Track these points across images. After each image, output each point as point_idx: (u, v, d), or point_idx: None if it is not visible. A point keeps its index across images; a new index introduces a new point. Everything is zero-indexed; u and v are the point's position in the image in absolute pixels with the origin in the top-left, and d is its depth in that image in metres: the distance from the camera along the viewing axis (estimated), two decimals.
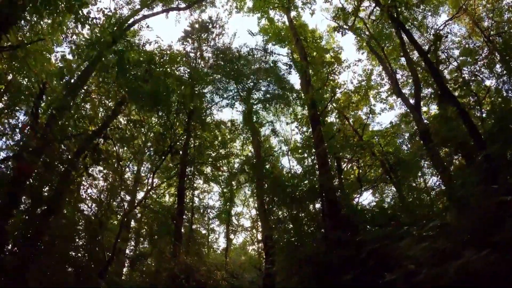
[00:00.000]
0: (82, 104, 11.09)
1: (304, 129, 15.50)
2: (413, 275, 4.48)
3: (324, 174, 9.82)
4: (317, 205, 13.68)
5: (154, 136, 11.39)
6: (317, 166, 11.95)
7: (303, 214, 12.63)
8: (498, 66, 19.41)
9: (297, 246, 11.32)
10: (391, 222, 8.43)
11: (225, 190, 21.48)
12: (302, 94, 14.09)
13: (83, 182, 13.85)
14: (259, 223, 20.32)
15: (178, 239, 13.84)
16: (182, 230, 18.45)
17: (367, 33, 16.58)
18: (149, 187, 11.83)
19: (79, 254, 11.80)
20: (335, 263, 7.79)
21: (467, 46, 20.13)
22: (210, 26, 19.76)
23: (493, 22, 19.79)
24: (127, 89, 9.73)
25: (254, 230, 26.76)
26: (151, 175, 11.46)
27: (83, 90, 11.28)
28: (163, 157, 11.29)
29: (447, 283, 4.00)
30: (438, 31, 14.31)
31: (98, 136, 10.00)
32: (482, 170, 5.55)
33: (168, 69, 13.75)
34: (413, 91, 18.02)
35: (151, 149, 15.69)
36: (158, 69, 11.95)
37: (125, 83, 9.59)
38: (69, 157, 9.25)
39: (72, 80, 11.12)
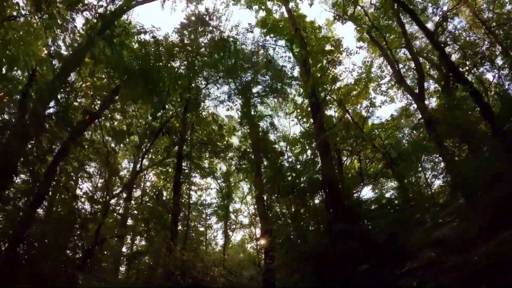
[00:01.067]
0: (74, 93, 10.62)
1: (304, 119, 15.07)
2: (435, 263, 4.08)
3: (326, 163, 9.39)
4: (317, 201, 13.34)
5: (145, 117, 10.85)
6: (318, 159, 11.56)
7: (303, 210, 12.23)
8: (499, 58, 19.22)
9: (298, 240, 10.91)
10: (400, 212, 8.06)
11: (222, 185, 21.05)
12: (302, 83, 13.68)
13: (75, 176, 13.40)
14: (258, 219, 19.86)
15: (174, 234, 13.39)
16: (179, 228, 18.02)
17: (367, 23, 16.21)
18: (139, 169, 11.14)
19: (70, 252, 11.26)
20: (339, 256, 7.35)
21: (467, 39, 19.87)
22: (207, 18, 19.34)
23: (494, 13, 19.50)
24: (116, 65, 9.26)
25: (252, 228, 26.40)
26: (141, 156, 10.88)
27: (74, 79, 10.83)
28: (154, 137, 10.82)
29: (474, 270, 3.60)
30: (443, 14, 13.85)
31: (90, 124, 9.54)
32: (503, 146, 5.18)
33: (164, 60, 13.35)
34: (413, 84, 17.73)
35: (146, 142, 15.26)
36: (152, 57, 11.49)
37: (114, 60, 9.13)
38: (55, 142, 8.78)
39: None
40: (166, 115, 10.73)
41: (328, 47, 14.42)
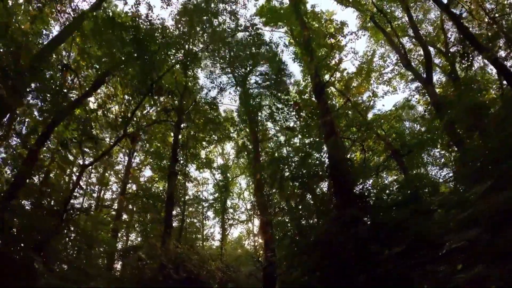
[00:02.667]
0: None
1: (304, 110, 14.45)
2: (476, 244, 3.50)
3: (332, 145, 8.75)
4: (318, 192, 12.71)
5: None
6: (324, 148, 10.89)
7: (306, 199, 11.60)
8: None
9: (301, 231, 10.28)
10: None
11: (219, 178, 20.40)
12: (305, 65, 13.08)
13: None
14: (257, 211, 19.19)
15: (168, 226, 12.70)
16: (176, 224, 17.30)
17: (370, 9, 15.65)
18: (123, 134, 10.22)
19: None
20: (352, 243, 6.65)
21: (470, 29, 19.41)
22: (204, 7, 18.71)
23: (497, 3, 19.05)
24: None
25: (250, 224, 25.81)
26: (128, 119, 10.05)
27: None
28: (143, 98, 10.11)
29: None
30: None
31: (78, 105, 8.83)
32: None
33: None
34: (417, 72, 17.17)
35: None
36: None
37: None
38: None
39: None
40: (157, 77, 9.99)
41: (331, 27, 13.79)
